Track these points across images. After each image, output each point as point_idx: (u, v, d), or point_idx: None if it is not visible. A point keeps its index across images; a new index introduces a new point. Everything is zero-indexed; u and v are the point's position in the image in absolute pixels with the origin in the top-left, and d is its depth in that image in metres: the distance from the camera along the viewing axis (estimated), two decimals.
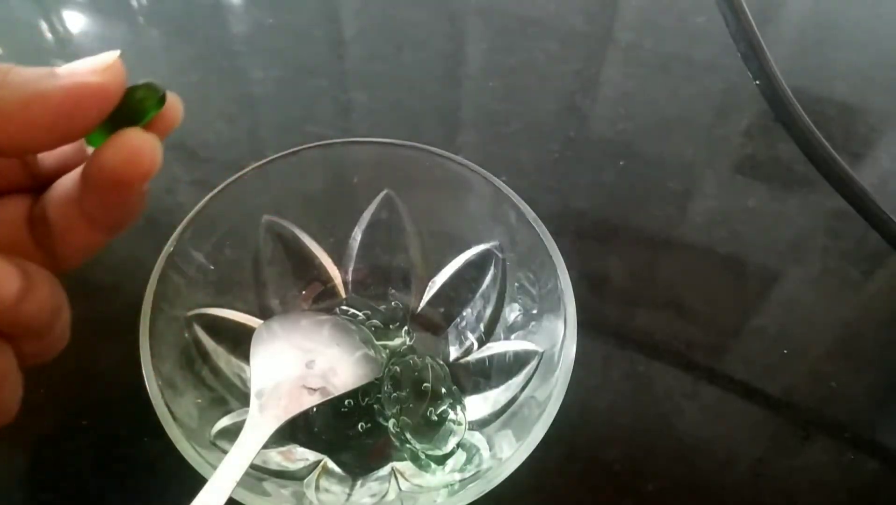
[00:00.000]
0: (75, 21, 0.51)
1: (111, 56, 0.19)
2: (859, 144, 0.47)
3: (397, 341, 0.32)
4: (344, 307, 0.32)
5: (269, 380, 0.26)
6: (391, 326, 0.32)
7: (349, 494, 0.27)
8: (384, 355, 0.31)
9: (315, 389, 0.27)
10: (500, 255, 0.31)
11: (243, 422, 0.27)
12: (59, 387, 0.32)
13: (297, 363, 0.27)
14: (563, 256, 0.27)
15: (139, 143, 0.19)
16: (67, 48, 0.50)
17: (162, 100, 0.20)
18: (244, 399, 0.28)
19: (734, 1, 0.31)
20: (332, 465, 0.28)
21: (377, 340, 0.31)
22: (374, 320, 0.32)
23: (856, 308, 0.39)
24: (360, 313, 0.32)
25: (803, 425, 0.34)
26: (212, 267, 0.29)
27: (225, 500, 0.21)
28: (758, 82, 0.32)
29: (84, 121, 0.19)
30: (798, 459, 0.32)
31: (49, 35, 0.50)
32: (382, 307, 0.32)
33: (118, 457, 0.30)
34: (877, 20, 0.58)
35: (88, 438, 0.31)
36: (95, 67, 0.19)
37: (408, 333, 0.32)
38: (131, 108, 0.20)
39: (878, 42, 0.56)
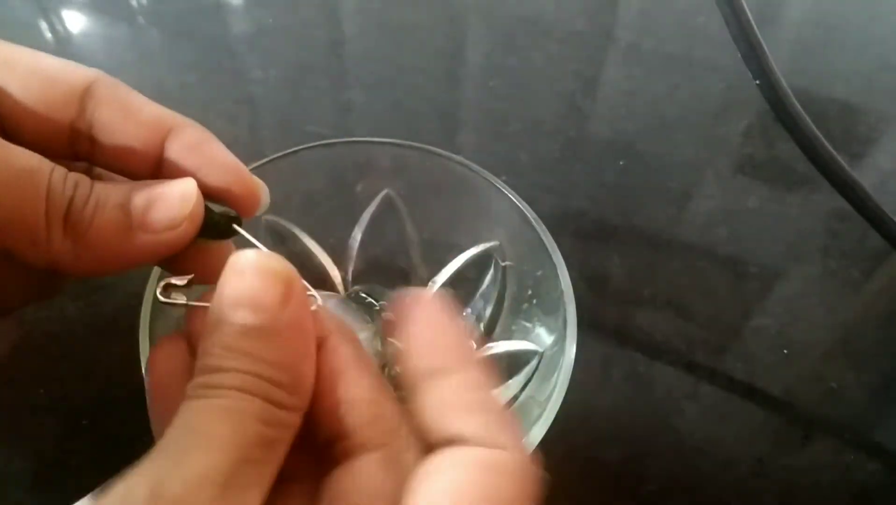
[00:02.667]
0: (75, 21, 0.51)
1: (189, 201, 0.18)
2: (859, 144, 0.47)
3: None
4: (362, 294, 0.32)
5: None
6: None
7: None
8: (388, 350, 0.31)
9: None
10: (500, 255, 0.31)
11: None
12: (59, 387, 0.32)
13: None
14: (563, 256, 0.27)
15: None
16: (67, 48, 0.50)
17: (237, 223, 0.20)
18: None
19: (734, 1, 0.31)
20: None
21: (388, 335, 0.31)
22: (388, 313, 0.32)
23: (856, 308, 0.39)
24: (376, 303, 0.32)
25: (803, 425, 0.34)
26: None
27: None
28: (758, 82, 0.32)
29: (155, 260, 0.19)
30: (798, 459, 0.32)
31: (49, 35, 0.50)
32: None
33: (118, 457, 0.30)
34: (876, 21, 0.58)
35: (88, 438, 0.31)
36: (174, 219, 0.18)
37: None
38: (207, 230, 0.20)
39: (878, 42, 0.56)
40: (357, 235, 0.33)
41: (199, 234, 0.19)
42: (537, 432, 0.23)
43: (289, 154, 0.30)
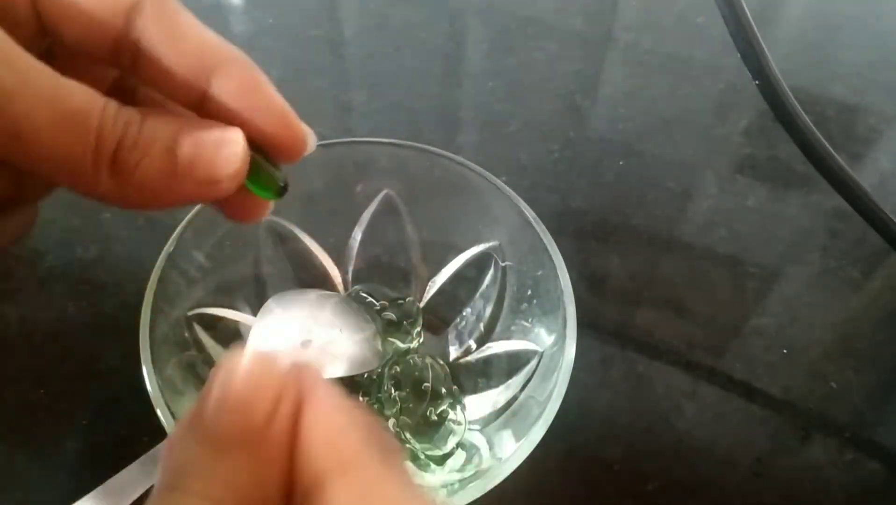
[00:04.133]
0: None
1: (235, 158, 0.18)
2: (859, 144, 0.47)
3: (406, 344, 0.32)
4: (363, 294, 0.32)
5: (261, 350, 0.26)
6: (404, 322, 0.32)
7: None
8: (388, 350, 0.31)
9: None
10: (499, 255, 0.31)
11: None
12: (59, 387, 0.32)
13: (293, 340, 0.27)
14: (563, 255, 0.27)
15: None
16: None
17: (283, 191, 0.20)
18: None
19: (734, 1, 0.31)
20: None
21: (388, 336, 0.31)
22: (389, 313, 0.32)
23: (855, 308, 0.39)
24: (376, 303, 0.32)
25: (803, 425, 0.34)
26: (212, 267, 0.29)
27: None
28: (758, 82, 0.32)
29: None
30: (798, 459, 0.32)
31: None
32: (399, 301, 0.32)
33: (118, 457, 0.30)
34: (876, 20, 0.58)
35: (88, 438, 0.31)
36: (218, 175, 0.18)
37: (419, 334, 0.32)
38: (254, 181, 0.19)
39: (877, 42, 0.56)
40: (357, 235, 0.33)
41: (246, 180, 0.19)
42: (537, 432, 0.23)
43: None
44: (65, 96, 0.16)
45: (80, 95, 0.17)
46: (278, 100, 0.20)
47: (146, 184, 0.18)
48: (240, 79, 0.19)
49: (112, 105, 0.17)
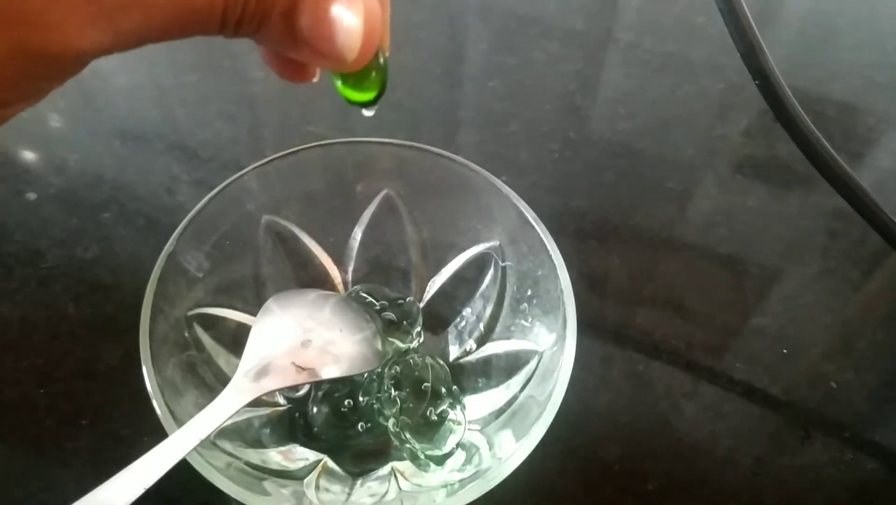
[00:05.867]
0: None
1: (352, 43, 0.18)
2: (859, 144, 0.47)
3: (406, 344, 0.32)
4: (363, 294, 0.32)
5: (261, 350, 0.26)
6: (404, 322, 0.32)
7: (349, 494, 0.27)
8: (388, 350, 0.31)
9: (304, 369, 0.26)
10: (499, 255, 0.31)
11: (243, 421, 0.27)
12: (59, 387, 0.32)
13: (293, 340, 0.27)
14: (563, 255, 0.27)
15: None
16: None
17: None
18: None
19: (734, 1, 0.31)
20: (332, 464, 0.28)
21: (388, 336, 0.31)
22: (389, 313, 0.32)
23: (855, 308, 0.39)
24: (376, 303, 0.32)
25: (803, 425, 0.34)
26: (211, 267, 0.29)
27: (184, 454, 0.21)
28: (757, 82, 0.32)
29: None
30: (798, 459, 0.32)
31: None
32: (399, 301, 0.32)
33: (118, 457, 0.30)
34: (876, 20, 0.58)
35: (88, 438, 0.31)
36: (331, 54, 0.18)
37: (419, 334, 0.32)
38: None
39: (877, 42, 0.56)
40: (357, 235, 0.33)
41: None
42: (537, 432, 0.23)
43: (289, 154, 0.30)
44: None
45: None
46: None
47: (267, 43, 0.18)
48: None
49: None
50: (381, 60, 0.20)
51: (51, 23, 0.15)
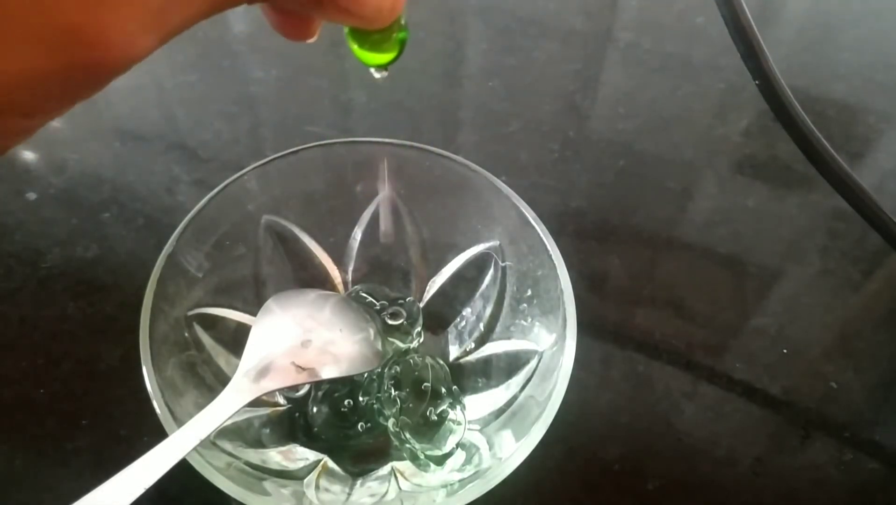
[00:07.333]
0: None
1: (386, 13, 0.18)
2: (859, 144, 0.47)
3: (406, 344, 0.32)
4: (363, 294, 0.32)
5: (262, 350, 0.26)
6: (404, 322, 0.32)
7: (349, 494, 0.27)
8: (388, 350, 0.31)
9: (304, 369, 0.26)
10: (499, 255, 0.31)
11: (243, 421, 0.27)
12: (59, 387, 0.32)
13: (293, 340, 0.27)
14: (563, 255, 0.27)
15: None
16: None
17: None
18: None
19: (734, 1, 0.31)
20: (332, 464, 0.28)
21: (388, 336, 0.31)
22: (389, 313, 0.32)
23: (855, 308, 0.39)
24: (376, 303, 0.32)
25: (803, 425, 0.34)
26: (211, 267, 0.29)
27: (184, 454, 0.21)
28: (757, 82, 0.32)
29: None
30: (798, 459, 0.32)
31: None
32: (399, 301, 0.32)
33: (118, 457, 0.30)
34: (876, 20, 0.58)
35: (88, 438, 0.31)
36: (357, 14, 0.18)
37: (419, 334, 0.32)
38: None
39: (877, 42, 0.56)
40: (357, 235, 0.33)
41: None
42: (537, 432, 0.23)
43: (289, 154, 0.30)
44: None
45: None
46: None
47: (287, 5, 0.18)
48: None
49: None
50: (403, 20, 0.19)
51: (108, 42, 0.14)
